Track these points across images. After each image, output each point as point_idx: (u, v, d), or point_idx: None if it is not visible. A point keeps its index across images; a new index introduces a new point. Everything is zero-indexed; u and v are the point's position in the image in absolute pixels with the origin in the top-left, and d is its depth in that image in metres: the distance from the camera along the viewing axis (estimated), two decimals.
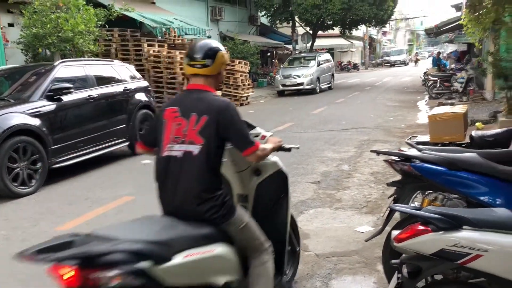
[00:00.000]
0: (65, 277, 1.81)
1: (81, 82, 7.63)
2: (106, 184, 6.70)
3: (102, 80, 8.17)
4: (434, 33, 24.21)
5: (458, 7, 17.55)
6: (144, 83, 9.43)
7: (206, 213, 2.31)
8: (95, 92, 7.70)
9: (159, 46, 14.83)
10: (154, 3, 17.69)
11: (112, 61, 9.54)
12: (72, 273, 1.80)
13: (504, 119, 8.72)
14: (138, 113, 8.66)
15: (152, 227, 2.24)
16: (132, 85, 8.80)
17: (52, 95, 6.85)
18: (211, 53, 2.56)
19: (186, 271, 2.09)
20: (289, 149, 3.01)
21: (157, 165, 2.52)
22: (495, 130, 4.51)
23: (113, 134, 8.02)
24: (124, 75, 8.84)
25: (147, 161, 7.98)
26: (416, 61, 50.64)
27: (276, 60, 28.22)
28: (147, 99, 9.05)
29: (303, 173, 6.77)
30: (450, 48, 28.49)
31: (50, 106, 6.78)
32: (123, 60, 13.56)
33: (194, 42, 2.65)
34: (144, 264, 1.91)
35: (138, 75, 9.48)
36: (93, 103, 7.60)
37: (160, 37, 14.70)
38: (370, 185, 6.05)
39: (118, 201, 5.75)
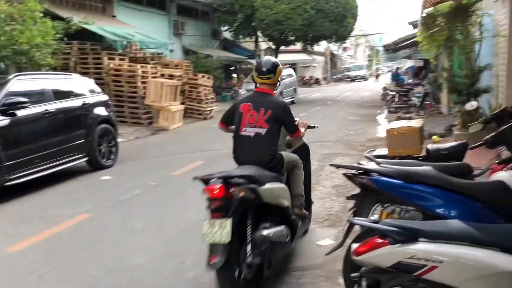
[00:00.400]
0: (215, 192, 3.21)
1: (38, 96, 7.38)
2: (63, 201, 6.48)
3: (60, 94, 7.93)
4: (392, 49, 25.02)
5: (414, 25, 18.22)
6: (104, 97, 9.24)
7: (267, 164, 3.76)
8: (52, 106, 7.47)
9: (120, 59, 14.63)
10: (115, 16, 17.47)
11: (71, 74, 9.32)
12: (218, 190, 3.20)
13: (459, 133, 9.02)
14: (97, 128, 8.46)
15: (250, 170, 3.55)
16: (91, 99, 8.61)
17: (6, 109, 6.59)
18: (273, 69, 3.91)
19: (270, 192, 3.52)
20: (313, 127, 5.03)
21: (236, 139, 3.96)
22: (449, 144, 4.66)
23: (71, 150, 7.79)
24: (83, 89, 8.64)
25: (106, 177, 7.81)
26: (377, 76, 52.08)
27: (243, 75, 28.37)
28: (106, 113, 8.86)
29: None
30: (408, 63, 29.50)
31: (3, 121, 6.52)
32: (83, 73, 13.26)
33: (260, 60, 4.13)
34: (257, 186, 3.35)
35: (97, 89, 9.28)
36: (49, 118, 7.36)
37: (121, 51, 14.51)
38: (332, 198, 6.11)
39: (75, 219, 5.56)
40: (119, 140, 9.89)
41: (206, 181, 3.40)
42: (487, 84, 9.72)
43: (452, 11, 8.96)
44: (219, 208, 3.23)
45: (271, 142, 3.79)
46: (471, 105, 6.35)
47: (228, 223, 3.13)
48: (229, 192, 3.22)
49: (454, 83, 9.63)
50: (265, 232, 3.31)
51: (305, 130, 4.34)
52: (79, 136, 8.03)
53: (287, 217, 3.77)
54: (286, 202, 3.72)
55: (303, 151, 4.53)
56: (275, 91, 4.04)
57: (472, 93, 9.20)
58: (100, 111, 8.73)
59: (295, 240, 3.94)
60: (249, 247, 3.31)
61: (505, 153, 4.03)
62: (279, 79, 3.99)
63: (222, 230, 3.11)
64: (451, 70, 9.93)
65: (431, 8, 10.12)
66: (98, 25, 13.94)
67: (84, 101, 8.35)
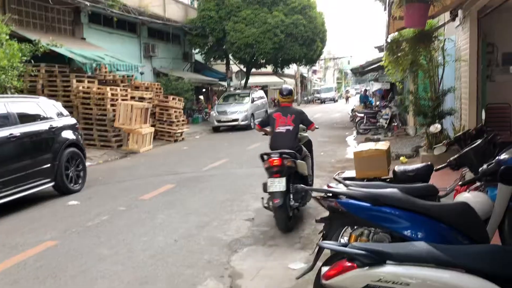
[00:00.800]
0: (275, 162, 5.40)
1: (2, 120, 7.19)
2: (27, 228, 6.26)
3: (26, 118, 7.76)
4: (359, 73, 25.64)
5: (380, 48, 18.77)
6: (72, 120, 9.08)
7: (294, 149, 5.84)
8: (18, 130, 7.29)
9: (89, 82, 14.46)
10: (84, 39, 17.32)
11: (38, 97, 9.15)
12: (277, 160, 5.42)
13: (425, 154, 9.27)
14: (65, 152, 8.29)
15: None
16: (58, 123, 8.44)
17: None
18: (289, 93, 6.42)
19: (301, 165, 5.80)
20: (317, 127, 6.86)
21: (273, 134, 6.10)
22: (415, 165, 4.77)
23: (36, 174, 7.59)
24: (50, 112, 8.47)
25: (73, 202, 7.62)
26: (347, 98, 53.16)
27: (215, 96, 28.48)
28: (74, 137, 8.70)
29: (237, 210, 6.75)
30: (375, 86, 30.29)
31: None
32: (51, 96, 13.06)
33: (281, 88, 6.57)
34: (295, 160, 5.71)
35: (65, 112, 9.13)
36: (15, 142, 7.17)
37: (90, 73, 14.34)
38: (303, 220, 6.13)
39: (40, 247, 5.38)
40: (87, 163, 9.70)
41: (262, 156, 5.88)
42: (451, 107, 10.07)
43: (416, 37, 9.29)
44: (277, 171, 5.49)
45: (295, 134, 6.11)
46: (435, 127, 6.55)
47: (283, 179, 5.43)
48: (283, 162, 5.49)
49: (419, 106, 9.93)
50: (300, 186, 4.98)
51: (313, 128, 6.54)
52: (46, 160, 7.84)
53: (307, 182, 6.18)
54: (306, 172, 6.10)
55: (309, 144, 6.77)
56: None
57: (437, 115, 9.51)
58: (68, 134, 8.56)
59: (308, 199, 6.00)
60: (291, 196, 5.65)
61: (469, 174, 4.17)
62: (293, 98, 6.66)
63: (280, 184, 5.40)
64: (416, 93, 10.23)
65: (396, 33, 10.48)
66: (66, 47, 13.79)
67: (51, 125, 8.18)
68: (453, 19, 9.83)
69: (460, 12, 9.45)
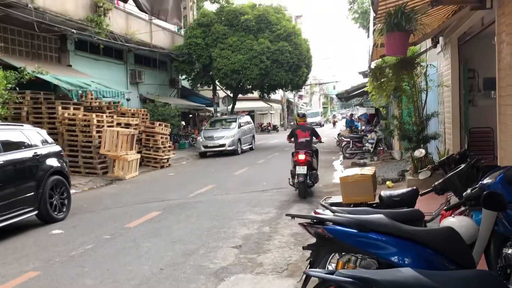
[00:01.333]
0: (302, 157, 9.40)
1: None
2: (9, 258, 6.11)
3: (10, 146, 7.67)
4: (344, 98, 25.96)
5: (365, 74, 19.07)
6: (57, 148, 9.00)
7: (311, 151, 9.90)
8: (1, 158, 7.19)
9: (74, 109, 14.41)
10: (70, 65, 17.33)
11: (22, 125, 9.08)
12: (304, 156, 9.43)
13: (411, 178, 9.34)
14: (49, 180, 8.18)
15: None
16: (43, 150, 8.36)
17: None
18: (304, 115, 11.04)
19: (314, 161, 9.92)
20: (322, 142, 10.80)
21: (296, 143, 9.81)
22: (401, 190, 4.80)
23: (20, 203, 7.45)
24: (34, 139, 8.39)
25: (57, 231, 7.48)
26: (334, 123, 53.74)
27: (205, 122, 28.59)
28: (59, 165, 8.60)
29: (224, 237, 6.67)
30: (361, 111, 30.69)
31: None
32: (36, 123, 12.98)
33: (297, 112, 15.55)
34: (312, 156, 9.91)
35: (50, 139, 9.05)
36: None
37: (76, 100, 14.30)
38: (291, 246, 6.09)
39: (21, 278, 5.24)
40: (72, 191, 9.58)
41: (292, 154, 9.84)
42: (435, 131, 10.22)
43: (399, 63, 9.48)
44: (304, 163, 9.30)
45: (311, 142, 9.80)
46: (420, 152, 6.62)
47: (305, 167, 9.29)
48: (307, 157, 9.39)
49: (404, 130, 10.06)
50: (314, 171, 9.65)
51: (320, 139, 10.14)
52: (29, 189, 7.71)
53: (316, 170, 9.92)
54: (316, 167, 9.93)
55: (316, 152, 10.15)
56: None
57: (421, 140, 9.63)
58: (53, 162, 8.47)
59: (317, 181, 10.08)
60: (309, 177, 9.42)
61: (454, 199, 4.20)
62: (306, 119, 10.89)
63: (303, 169, 9.28)
64: (400, 118, 10.39)
65: (379, 60, 10.69)
66: (52, 74, 13.77)
67: (35, 152, 8.09)
68: (434, 46, 10.08)
69: (441, 39, 9.71)
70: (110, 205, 9.79)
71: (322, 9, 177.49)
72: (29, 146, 8.11)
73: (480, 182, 3.41)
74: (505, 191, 3.20)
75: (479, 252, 3.28)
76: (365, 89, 13.62)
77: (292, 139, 10.05)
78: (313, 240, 3.46)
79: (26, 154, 7.90)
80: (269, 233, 6.84)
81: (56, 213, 8.26)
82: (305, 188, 9.35)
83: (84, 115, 14.26)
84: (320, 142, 10.23)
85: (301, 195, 9.35)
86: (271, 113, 51.62)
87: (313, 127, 10.77)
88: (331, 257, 3.74)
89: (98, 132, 13.99)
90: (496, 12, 5.79)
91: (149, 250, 6.20)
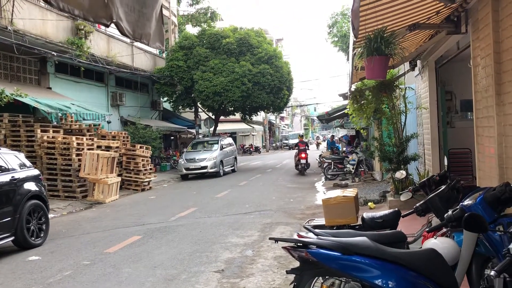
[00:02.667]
0: (304, 155, 20.38)
1: None
2: None
3: None
4: (325, 119, 26.21)
5: (345, 96, 19.32)
6: (35, 172, 8.83)
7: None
8: None
9: (54, 131, 14.22)
10: (50, 88, 17.16)
11: None
12: (304, 155, 20.35)
13: (392, 199, 9.41)
14: (26, 204, 7.99)
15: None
16: (20, 174, 8.19)
17: None
18: (302, 136, 25.10)
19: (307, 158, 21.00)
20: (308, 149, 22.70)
21: (299, 149, 20.85)
22: (383, 212, 4.81)
23: None
24: (12, 163, 8.22)
25: (34, 258, 7.28)
26: (318, 144, 54.15)
27: (183, 144, 28.50)
28: (37, 189, 8.43)
29: (206, 261, 6.58)
30: (341, 132, 31.03)
31: None
32: (14, 147, 12.76)
33: (298, 133, 31.11)
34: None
35: (28, 163, 8.88)
36: None
37: (55, 123, 14.11)
38: (274, 270, 6.02)
39: None
40: (50, 215, 9.37)
41: (296, 154, 21.36)
42: (415, 152, 10.36)
43: (378, 86, 9.66)
44: (304, 158, 20.22)
45: (306, 149, 21.00)
46: (401, 173, 6.69)
47: (305, 160, 20.25)
48: (305, 156, 20.27)
49: (384, 152, 10.18)
50: (308, 162, 20.56)
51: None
52: (6, 214, 7.51)
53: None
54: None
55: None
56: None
57: (402, 161, 9.75)
58: (30, 186, 8.29)
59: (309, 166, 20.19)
60: (305, 165, 20.46)
61: (435, 220, 4.23)
62: (304, 137, 24.31)
63: (304, 161, 20.33)
64: (381, 139, 10.51)
65: (359, 82, 10.87)
66: (32, 97, 13.60)
67: (12, 176, 7.92)
68: (412, 68, 10.31)
69: (418, 62, 9.94)
70: (90, 230, 9.58)
71: (302, 33, 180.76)
72: (6, 170, 7.94)
73: (461, 203, 3.45)
74: (485, 212, 3.24)
75: (461, 274, 3.29)
76: (345, 111, 13.80)
77: (296, 147, 21.54)
78: (296, 263, 3.43)
79: (3, 178, 7.72)
80: (252, 256, 6.77)
81: (33, 238, 8.05)
82: (304, 170, 20.25)
83: (63, 138, 14.07)
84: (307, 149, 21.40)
85: (302, 174, 20.12)
86: (253, 135, 51.79)
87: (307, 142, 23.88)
88: (314, 280, 3.70)
89: (78, 155, 13.80)
90: (471, 36, 5.97)
91: (129, 276, 6.06)
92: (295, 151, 21.69)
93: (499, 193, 3.26)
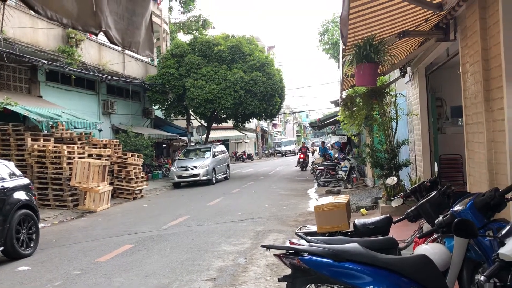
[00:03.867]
0: (302, 155, 28.02)
1: None
2: None
3: None
4: (317, 126, 26.31)
5: (336, 103, 19.42)
6: (25, 181, 8.74)
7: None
8: None
9: (44, 140, 14.12)
10: (41, 96, 17.05)
11: None
12: (302, 155, 28.00)
13: (384, 205, 9.44)
14: (16, 214, 7.90)
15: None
16: (10, 183, 8.11)
17: None
18: (304, 142, 38.41)
19: (307, 157, 29.05)
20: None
21: (301, 151, 29.29)
22: (375, 218, 4.83)
23: None
24: (1, 172, 8.15)
25: (24, 268, 7.20)
26: (313, 151, 54.21)
27: (179, 151, 28.45)
28: (27, 198, 8.34)
29: (198, 270, 6.54)
30: (333, 139, 31.25)
31: None
32: (3, 155, 12.67)
33: (303, 140, 46.56)
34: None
35: (18, 172, 8.80)
36: None
37: (46, 131, 14.01)
38: (266, 278, 6.00)
39: None
40: (40, 225, 9.28)
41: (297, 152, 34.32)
42: (406, 158, 10.42)
43: (369, 93, 9.72)
44: (303, 158, 27.59)
45: (307, 152, 29.07)
46: (392, 179, 6.71)
47: (303, 159, 27.57)
48: (304, 156, 27.68)
49: (376, 158, 10.22)
50: (307, 161, 27.56)
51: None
52: None
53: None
54: (308, 160, 27.94)
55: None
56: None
57: (393, 167, 9.79)
58: (20, 195, 8.21)
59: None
60: (304, 163, 27.49)
61: (426, 226, 4.25)
62: (305, 144, 33.92)
63: (304, 161, 27.51)
64: (372, 145, 10.55)
65: (350, 89, 10.93)
66: (22, 106, 13.51)
67: (2, 186, 7.84)
68: (403, 75, 10.39)
69: (409, 69, 10.03)
70: (81, 239, 9.50)
71: (294, 40, 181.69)
72: None
73: (451, 209, 3.47)
74: (474, 218, 3.26)
75: (452, 279, 3.30)
76: (337, 118, 13.86)
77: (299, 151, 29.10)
78: (289, 271, 3.42)
79: None
80: (244, 264, 6.74)
81: (23, 248, 7.96)
82: (303, 168, 26.72)
83: (54, 146, 13.97)
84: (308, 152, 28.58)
85: (302, 170, 26.59)
86: (245, 142, 51.80)
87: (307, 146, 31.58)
88: None
89: (69, 163, 13.70)
90: (459, 43, 6.04)
91: (121, 285, 6.00)
92: (299, 154, 29.66)
93: (488, 198, 3.29)
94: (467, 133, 5.95)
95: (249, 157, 45.27)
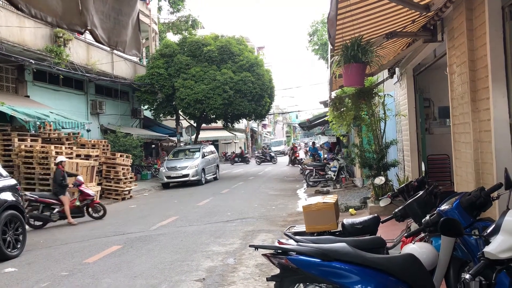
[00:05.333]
0: (297, 154, 33.49)
1: None
2: None
3: None
4: (307, 127, 26.38)
5: (325, 104, 19.49)
6: (12, 181, 8.65)
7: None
8: None
9: (32, 140, 13.98)
10: (28, 96, 16.87)
11: None
12: (298, 154, 34.07)
13: (373, 205, 9.49)
14: (3, 215, 7.81)
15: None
16: None
17: None
18: (294, 144, 43.92)
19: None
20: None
21: (293, 151, 34.54)
22: (363, 218, 4.85)
23: None
24: None
25: (10, 269, 7.12)
26: (306, 152, 54.19)
27: (164, 152, 28.30)
28: (14, 199, 8.26)
29: (187, 270, 6.51)
30: (323, 139, 31.38)
31: None
32: None
33: (293, 142, 50.64)
34: None
35: (4, 172, 8.70)
36: None
37: (33, 131, 13.87)
38: (255, 278, 6.00)
39: None
40: (27, 226, 9.16)
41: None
42: (394, 158, 10.49)
43: (357, 93, 9.76)
44: (300, 156, 32.49)
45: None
46: (380, 179, 6.77)
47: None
48: (298, 155, 32.76)
49: (364, 158, 10.27)
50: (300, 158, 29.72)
51: None
52: None
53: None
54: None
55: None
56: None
57: (382, 167, 9.85)
58: (7, 196, 8.12)
59: None
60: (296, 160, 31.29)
61: (414, 225, 4.28)
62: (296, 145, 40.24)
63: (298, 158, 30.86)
64: (361, 146, 10.61)
65: (339, 90, 10.98)
66: (8, 105, 13.35)
67: None
68: (391, 76, 10.46)
69: (397, 70, 10.09)
70: (68, 240, 9.41)
71: (283, 41, 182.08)
72: None
73: (438, 208, 3.50)
74: (461, 217, 3.29)
75: (439, 278, 3.33)
76: (326, 118, 13.91)
77: (291, 150, 33.46)
78: (277, 270, 3.43)
79: None
80: (233, 264, 6.73)
81: (9, 250, 7.87)
82: (294, 164, 30.45)
83: (42, 147, 13.84)
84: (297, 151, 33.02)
85: (294, 165, 30.61)
86: (235, 142, 51.73)
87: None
88: (295, 287, 3.70)
89: (56, 164, 13.55)
90: (446, 44, 6.10)
91: (109, 286, 5.96)
92: (290, 152, 34.54)
93: (474, 198, 3.32)
94: (454, 133, 6.00)
95: (244, 159, 39.68)
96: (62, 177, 11.33)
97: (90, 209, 11.89)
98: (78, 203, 11.59)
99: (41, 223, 11.12)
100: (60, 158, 12.00)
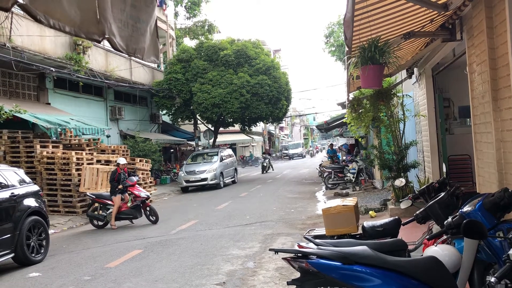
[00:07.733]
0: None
1: None
2: None
3: None
4: (324, 129, 26.24)
5: (343, 105, 19.38)
6: (34, 188, 8.81)
7: None
8: None
9: (53, 147, 14.22)
10: (49, 103, 17.20)
11: None
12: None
13: (393, 207, 9.38)
14: (26, 220, 7.96)
15: None
16: (20, 190, 8.17)
17: None
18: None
19: None
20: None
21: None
22: (384, 220, 4.80)
23: None
24: (11, 179, 8.21)
25: (35, 274, 7.24)
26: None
27: (183, 156, 28.51)
28: (37, 205, 8.40)
29: (207, 274, 6.53)
30: (341, 141, 31.11)
31: None
32: (13, 163, 12.76)
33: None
34: None
35: (27, 179, 8.87)
36: None
37: (55, 138, 14.12)
38: (275, 281, 5.98)
39: None
40: (50, 231, 9.34)
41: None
42: (414, 159, 10.35)
43: (375, 94, 9.68)
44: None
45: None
46: (400, 181, 6.68)
47: None
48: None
49: (384, 160, 10.16)
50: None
51: None
52: (6, 231, 7.48)
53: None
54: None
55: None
56: None
57: (401, 169, 9.73)
58: (30, 202, 8.27)
59: None
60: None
61: (435, 227, 4.22)
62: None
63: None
64: (380, 147, 10.50)
65: (357, 91, 10.90)
66: (30, 113, 13.63)
67: (12, 193, 7.89)
68: (409, 76, 10.34)
69: (415, 70, 9.98)
70: (90, 245, 9.54)
71: (300, 43, 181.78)
72: (5, 186, 7.92)
73: (460, 210, 3.44)
74: (484, 218, 3.23)
75: (463, 281, 3.27)
76: (344, 120, 13.82)
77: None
78: (298, 274, 3.41)
79: (3, 194, 7.70)
80: (253, 268, 6.73)
81: (33, 255, 8.01)
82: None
83: (63, 153, 14.08)
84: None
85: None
86: (252, 145, 51.75)
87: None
88: None
89: (77, 170, 13.78)
90: (466, 43, 6.01)
91: None
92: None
93: (497, 199, 3.26)
94: (475, 133, 5.90)
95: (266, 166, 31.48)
96: (114, 177, 11.42)
97: (147, 211, 11.71)
98: (129, 204, 11.56)
99: (102, 222, 11.32)
100: (120, 159, 12.06)
